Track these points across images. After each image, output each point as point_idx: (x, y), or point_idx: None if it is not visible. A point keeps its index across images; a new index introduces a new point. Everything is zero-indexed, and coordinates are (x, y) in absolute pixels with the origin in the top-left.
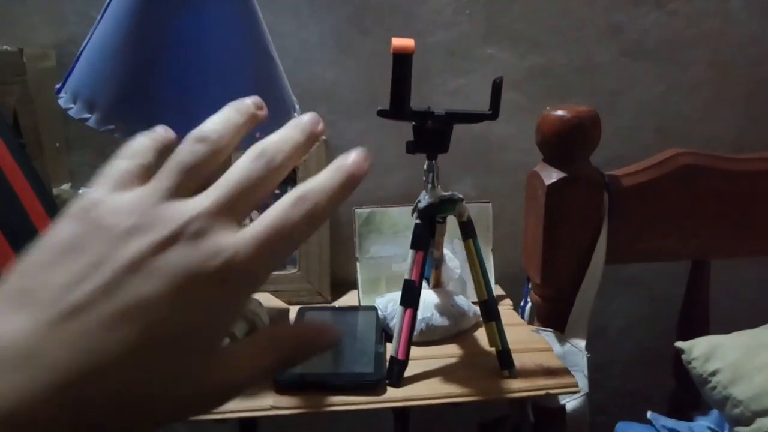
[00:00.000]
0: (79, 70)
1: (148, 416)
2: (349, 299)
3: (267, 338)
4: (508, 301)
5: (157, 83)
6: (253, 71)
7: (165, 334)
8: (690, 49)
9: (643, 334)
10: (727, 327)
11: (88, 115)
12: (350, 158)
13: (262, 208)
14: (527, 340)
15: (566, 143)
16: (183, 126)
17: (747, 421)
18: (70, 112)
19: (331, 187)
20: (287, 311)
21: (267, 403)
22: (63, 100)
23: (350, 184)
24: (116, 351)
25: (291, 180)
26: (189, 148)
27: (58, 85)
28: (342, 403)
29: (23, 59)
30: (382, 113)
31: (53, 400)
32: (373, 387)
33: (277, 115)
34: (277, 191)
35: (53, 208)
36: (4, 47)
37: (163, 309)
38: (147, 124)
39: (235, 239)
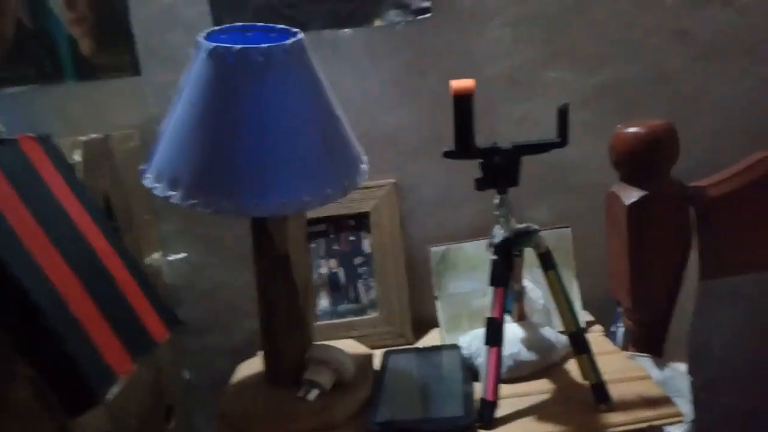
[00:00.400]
0: (161, 151)
1: None
2: (431, 338)
3: None
4: (598, 327)
5: (233, 156)
6: (320, 131)
7: None
8: (764, 45)
9: (750, 347)
10: None
11: (173, 193)
12: None
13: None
14: (623, 368)
15: (643, 160)
16: (258, 192)
17: None
18: (156, 192)
19: None
20: (371, 356)
21: None
22: (148, 181)
23: None
24: None
25: (365, 226)
26: None
27: (142, 167)
28: None
29: (109, 144)
30: (448, 155)
31: None
32: (465, 430)
33: (346, 168)
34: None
35: (147, 285)
36: (93, 135)
37: None
38: (226, 196)
39: None
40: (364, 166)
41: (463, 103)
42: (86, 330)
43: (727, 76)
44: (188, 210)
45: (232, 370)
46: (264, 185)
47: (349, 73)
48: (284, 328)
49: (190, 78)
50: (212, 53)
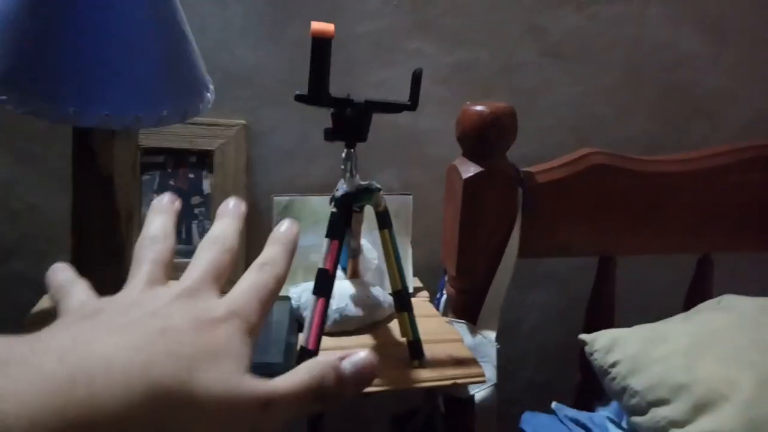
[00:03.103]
0: None
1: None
2: None
3: (305, 366)
4: (425, 293)
5: (56, 54)
6: (162, 48)
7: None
8: (606, 52)
9: (556, 327)
10: (632, 323)
11: None
12: (282, 228)
13: None
14: (439, 330)
15: (484, 138)
16: (81, 98)
17: (642, 411)
18: None
19: (279, 251)
20: None
21: None
22: None
23: (290, 245)
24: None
25: (207, 165)
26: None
27: None
28: None
29: None
30: (299, 98)
31: None
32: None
33: (188, 93)
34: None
35: None
36: None
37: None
38: (42, 96)
39: (226, 297)
40: (209, 95)
41: (321, 46)
42: None
43: (568, 76)
44: (2, 116)
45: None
46: (88, 92)
47: (210, 1)
48: (99, 259)
49: None
50: None
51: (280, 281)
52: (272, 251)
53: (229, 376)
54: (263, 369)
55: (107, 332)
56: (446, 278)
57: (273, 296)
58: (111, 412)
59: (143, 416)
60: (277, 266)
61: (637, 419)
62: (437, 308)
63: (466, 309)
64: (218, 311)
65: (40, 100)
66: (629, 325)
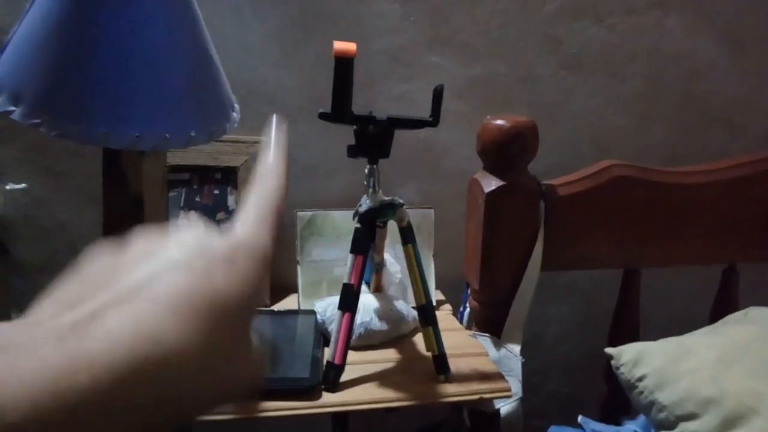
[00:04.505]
0: (5, 61)
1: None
2: (288, 303)
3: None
4: (447, 307)
5: (86, 77)
6: (189, 69)
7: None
8: (626, 63)
9: (579, 340)
10: (657, 335)
11: (13, 108)
12: (273, 127)
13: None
14: (464, 344)
15: (505, 152)
16: (112, 120)
17: (671, 425)
18: None
19: (275, 156)
20: None
21: None
22: None
23: (281, 142)
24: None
25: (231, 181)
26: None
27: None
28: (276, 408)
29: None
30: (323, 116)
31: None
32: (309, 392)
33: (215, 112)
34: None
35: None
36: None
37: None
38: (74, 119)
39: (235, 230)
40: (235, 115)
41: (343, 65)
42: None
43: (586, 88)
44: (34, 136)
45: None
46: (118, 114)
47: (231, 22)
48: None
49: None
50: None
51: (285, 193)
52: (269, 161)
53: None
54: (291, 383)
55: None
56: (469, 291)
57: (280, 206)
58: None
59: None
60: (280, 176)
61: None
62: (460, 322)
63: (490, 322)
64: (231, 241)
65: (71, 122)
66: (653, 336)
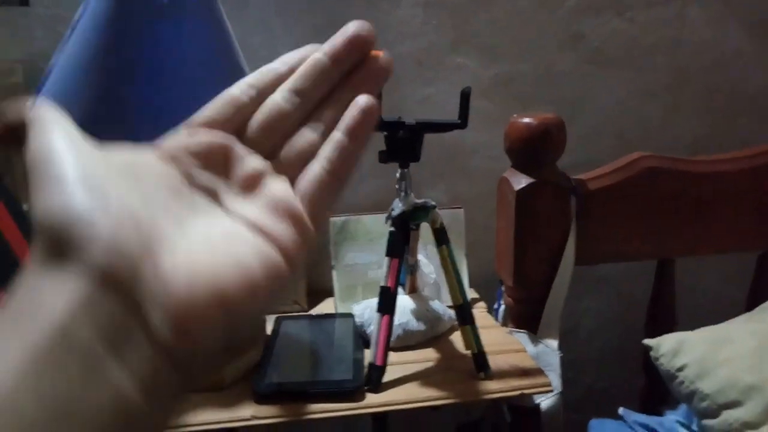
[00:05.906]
0: (50, 87)
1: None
2: (325, 307)
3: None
4: (482, 304)
5: (128, 100)
6: (225, 84)
7: None
8: (648, 55)
9: (614, 332)
10: (692, 323)
11: None
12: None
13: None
14: (502, 341)
15: (533, 149)
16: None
17: (713, 413)
18: None
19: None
20: (263, 321)
21: (247, 414)
22: None
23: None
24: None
25: None
26: None
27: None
28: (322, 410)
29: None
30: None
31: None
32: (352, 393)
33: None
34: None
35: (29, 231)
36: None
37: None
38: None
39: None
40: None
41: None
42: None
43: (610, 82)
44: None
45: None
46: (159, 133)
47: (259, 34)
48: None
49: (86, 13)
50: None
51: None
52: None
53: None
54: (335, 386)
55: None
56: (503, 288)
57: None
58: None
59: None
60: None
61: (709, 422)
62: (496, 319)
63: (526, 318)
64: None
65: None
66: (688, 326)
